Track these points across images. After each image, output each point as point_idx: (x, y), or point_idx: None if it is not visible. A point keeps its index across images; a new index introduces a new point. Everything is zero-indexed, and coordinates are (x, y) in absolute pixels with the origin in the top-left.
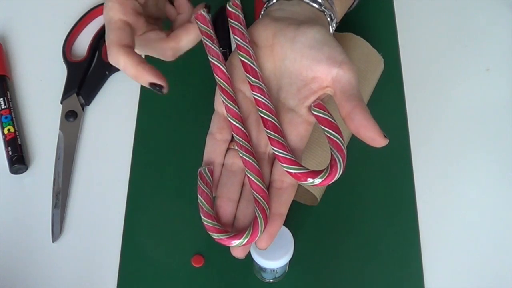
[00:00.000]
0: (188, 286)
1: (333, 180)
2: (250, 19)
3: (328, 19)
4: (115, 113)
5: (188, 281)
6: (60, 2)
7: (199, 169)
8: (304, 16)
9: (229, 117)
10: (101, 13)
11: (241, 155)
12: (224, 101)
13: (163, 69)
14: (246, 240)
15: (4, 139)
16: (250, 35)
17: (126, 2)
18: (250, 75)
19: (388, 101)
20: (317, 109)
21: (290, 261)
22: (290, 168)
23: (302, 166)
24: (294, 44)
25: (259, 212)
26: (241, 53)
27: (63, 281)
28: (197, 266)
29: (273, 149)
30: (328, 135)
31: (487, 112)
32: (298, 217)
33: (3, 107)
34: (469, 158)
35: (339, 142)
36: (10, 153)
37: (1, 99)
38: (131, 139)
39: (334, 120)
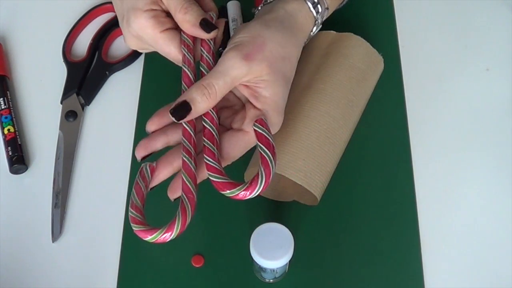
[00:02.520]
0: (188, 286)
1: (252, 195)
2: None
3: (310, 3)
4: (115, 113)
5: (188, 281)
6: (60, 2)
7: (142, 165)
8: (260, 14)
9: (183, 121)
10: (101, 13)
11: (182, 156)
12: None
13: (164, 69)
14: (160, 236)
15: (4, 139)
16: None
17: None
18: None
19: (388, 101)
20: (258, 124)
21: (290, 261)
22: (213, 176)
23: (226, 176)
24: None
25: (180, 213)
26: (202, 64)
27: (63, 281)
28: (197, 266)
29: (204, 157)
30: (261, 151)
31: (487, 112)
32: (298, 217)
33: (3, 107)
34: (469, 158)
35: (268, 160)
36: (10, 153)
37: (1, 99)
38: (131, 139)
39: (271, 138)
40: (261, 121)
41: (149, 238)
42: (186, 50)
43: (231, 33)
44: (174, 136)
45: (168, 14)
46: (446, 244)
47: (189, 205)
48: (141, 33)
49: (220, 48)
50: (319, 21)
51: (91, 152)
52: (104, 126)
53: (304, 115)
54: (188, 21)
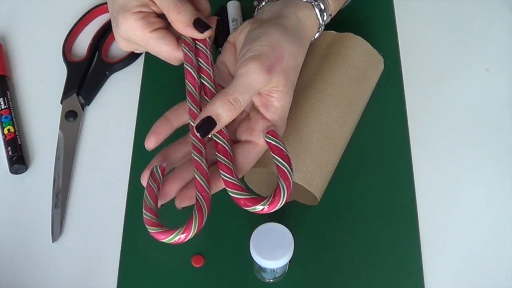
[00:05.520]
0: (188, 286)
1: (275, 208)
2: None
3: (317, 10)
4: (115, 113)
5: (188, 281)
6: (60, 2)
7: (152, 167)
8: (268, 16)
9: (191, 119)
10: (101, 13)
11: (193, 155)
12: (189, 104)
13: (164, 69)
14: (178, 237)
15: (4, 139)
16: (231, 38)
17: (146, 17)
18: (207, 97)
19: (388, 101)
20: (270, 136)
21: (290, 261)
22: (235, 193)
23: (247, 192)
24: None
25: (196, 212)
26: (203, 75)
27: (63, 281)
28: (197, 266)
29: (221, 173)
30: (277, 163)
31: (487, 112)
32: (298, 217)
33: (3, 107)
34: (469, 158)
35: (287, 172)
36: (10, 153)
37: (1, 99)
38: (131, 139)
39: (285, 149)
40: (273, 133)
41: (166, 240)
42: (187, 49)
43: (231, 32)
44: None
45: (158, 15)
46: (446, 244)
47: (205, 204)
48: (130, 34)
49: (220, 49)
50: (322, 28)
51: (91, 152)
52: (104, 126)
53: (304, 115)
54: (182, 21)
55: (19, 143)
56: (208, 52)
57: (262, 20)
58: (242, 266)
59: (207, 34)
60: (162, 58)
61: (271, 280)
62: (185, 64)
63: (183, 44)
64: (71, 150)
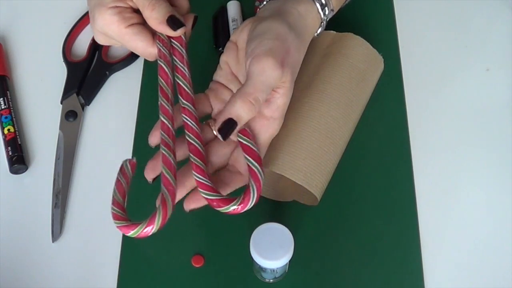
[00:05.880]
0: (188, 286)
1: (246, 208)
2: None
3: (318, 5)
4: (115, 113)
5: (188, 281)
6: (60, 2)
7: (122, 162)
8: (269, 12)
9: (161, 115)
10: None
11: (161, 149)
12: (160, 100)
13: None
14: (140, 231)
15: (4, 139)
16: (233, 37)
17: (122, 11)
18: (181, 96)
19: (388, 101)
20: (242, 135)
21: (290, 261)
22: (207, 194)
23: (218, 192)
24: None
25: (161, 206)
26: (177, 74)
27: (63, 281)
28: (197, 266)
29: (194, 174)
30: (248, 163)
31: (487, 112)
32: (298, 217)
33: (3, 107)
34: (469, 158)
35: (257, 172)
36: (10, 153)
37: (1, 99)
38: (131, 139)
39: (256, 149)
40: (245, 132)
41: (131, 233)
42: (161, 45)
43: (231, 33)
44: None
45: (134, 10)
46: (446, 243)
47: (169, 198)
48: (106, 29)
49: (220, 49)
50: (324, 23)
51: (91, 152)
52: (104, 126)
53: (304, 115)
54: (155, 18)
55: (19, 143)
56: (184, 51)
57: (263, 17)
58: (242, 266)
59: (180, 32)
60: (138, 54)
61: (271, 280)
62: (159, 60)
63: (157, 41)
64: (71, 150)
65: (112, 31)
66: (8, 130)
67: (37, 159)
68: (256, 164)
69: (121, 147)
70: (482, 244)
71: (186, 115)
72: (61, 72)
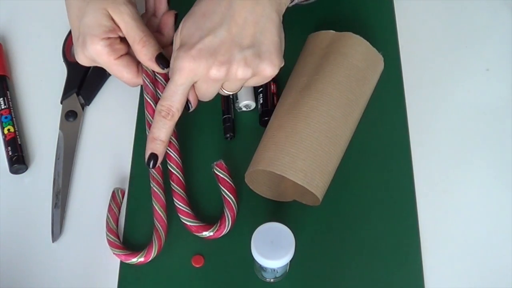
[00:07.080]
0: (188, 286)
1: (221, 234)
2: None
3: None
4: (115, 113)
5: (188, 281)
6: (60, 2)
7: (113, 189)
8: None
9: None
10: None
11: (152, 187)
12: (148, 133)
13: None
14: (138, 260)
15: (4, 139)
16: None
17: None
18: None
19: (388, 101)
20: (218, 168)
21: (291, 261)
22: (186, 220)
23: (197, 219)
24: None
25: (156, 239)
26: (159, 91)
27: (63, 281)
28: (197, 266)
29: (174, 201)
30: (224, 194)
31: (487, 112)
32: (299, 217)
33: (3, 107)
34: (469, 158)
35: (232, 203)
36: (10, 153)
37: (1, 99)
38: (131, 139)
39: (231, 182)
40: (221, 165)
41: (130, 261)
42: (148, 80)
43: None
44: None
45: (122, 40)
46: (446, 243)
47: (162, 232)
48: (96, 58)
49: None
50: None
51: (91, 152)
52: (104, 126)
53: (304, 115)
54: (145, 55)
55: (19, 143)
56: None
57: None
58: (242, 266)
59: (166, 71)
60: (122, 82)
61: (271, 280)
62: (146, 95)
63: (144, 75)
64: (71, 150)
65: (101, 60)
66: (8, 130)
67: (37, 159)
68: (231, 196)
69: (121, 147)
70: (482, 244)
71: (170, 147)
72: (61, 72)
